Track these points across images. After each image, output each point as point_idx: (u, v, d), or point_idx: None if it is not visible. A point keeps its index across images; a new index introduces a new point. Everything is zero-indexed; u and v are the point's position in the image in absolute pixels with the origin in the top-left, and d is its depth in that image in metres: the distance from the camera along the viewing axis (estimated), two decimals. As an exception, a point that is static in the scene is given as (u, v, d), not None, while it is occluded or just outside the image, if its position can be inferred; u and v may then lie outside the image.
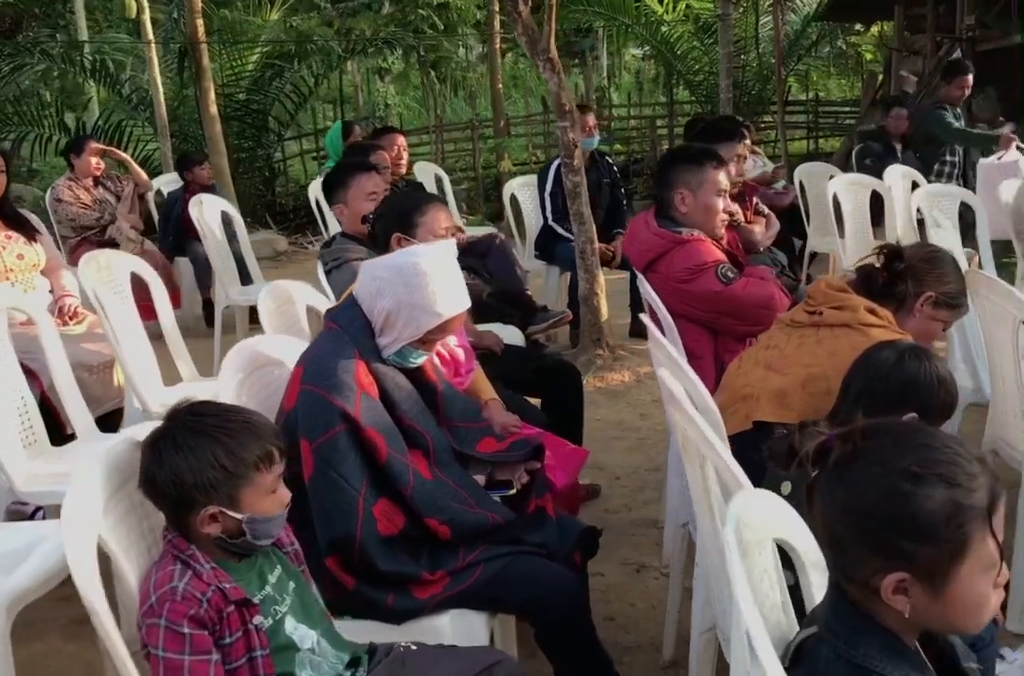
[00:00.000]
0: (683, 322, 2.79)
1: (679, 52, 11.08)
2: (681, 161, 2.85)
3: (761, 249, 4.09)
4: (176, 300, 6.02)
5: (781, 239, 6.53)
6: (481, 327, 4.16)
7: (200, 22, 8.38)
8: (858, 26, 13.25)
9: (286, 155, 11.09)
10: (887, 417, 1.82)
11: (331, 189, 3.26)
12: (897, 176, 5.91)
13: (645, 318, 2.27)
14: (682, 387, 1.87)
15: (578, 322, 5.14)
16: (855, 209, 5.70)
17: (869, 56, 13.64)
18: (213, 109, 8.60)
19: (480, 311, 4.33)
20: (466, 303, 2.08)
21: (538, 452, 2.17)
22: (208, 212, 5.13)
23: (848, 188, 5.71)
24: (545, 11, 4.48)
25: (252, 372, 2.05)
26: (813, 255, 6.25)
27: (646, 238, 2.83)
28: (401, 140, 5.14)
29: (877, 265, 2.23)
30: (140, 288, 3.65)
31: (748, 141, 4.09)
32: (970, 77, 6.51)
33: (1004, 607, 2.54)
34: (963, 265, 3.92)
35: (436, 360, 2.43)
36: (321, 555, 1.86)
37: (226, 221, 5.37)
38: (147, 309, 3.74)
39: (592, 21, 11.49)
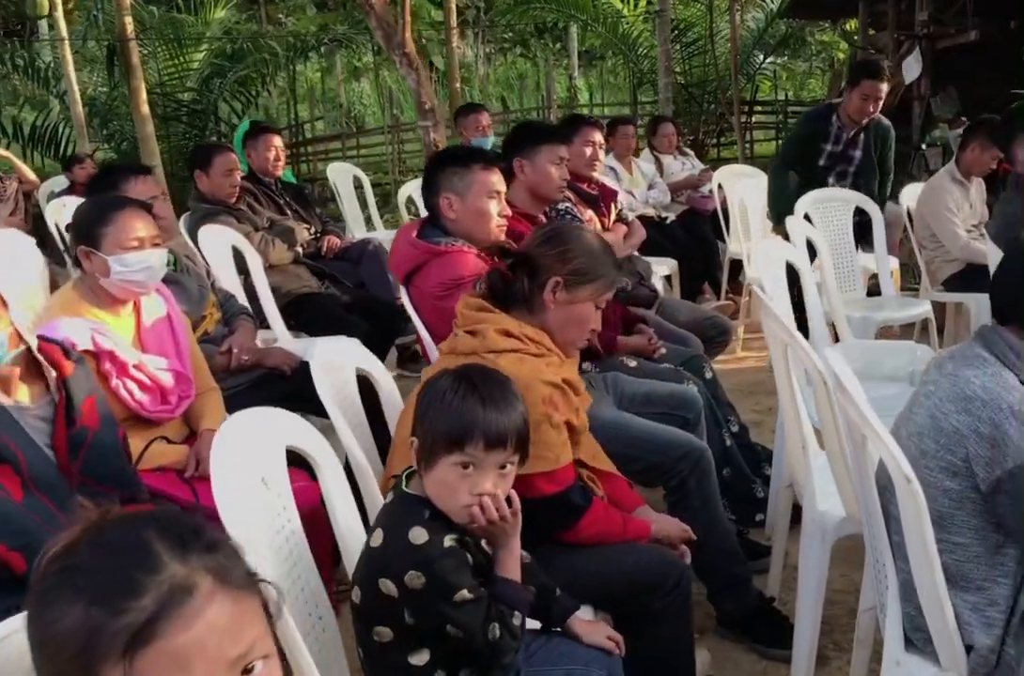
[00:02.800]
0: (445, 342, 2.51)
1: (640, 51, 10.78)
2: (446, 163, 2.57)
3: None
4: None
5: (704, 243, 6.30)
6: (324, 339, 3.92)
7: (128, 20, 8.20)
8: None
9: (239, 155, 10.86)
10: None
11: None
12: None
13: (324, 344, 2.00)
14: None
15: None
16: (763, 214, 5.41)
17: (842, 55, 13.28)
18: (145, 109, 8.39)
19: (325, 321, 4.10)
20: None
21: None
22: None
23: (756, 192, 5.42)
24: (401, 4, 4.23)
25: None
26: (736, 261, 5.95)
27: (403, 249, 2.56)
28: (276, 140, 4.90)
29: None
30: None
31: (598, 138, 3.80)
32: (874, 83, 4.38)
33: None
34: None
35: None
36: None
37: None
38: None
39: (553, 18, 11.21)
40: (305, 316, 4.13)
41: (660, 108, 8.30)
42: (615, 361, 3.14)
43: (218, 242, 3.71)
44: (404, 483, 1.52)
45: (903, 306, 4.34)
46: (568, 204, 3.74)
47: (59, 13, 7.45)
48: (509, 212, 2.61)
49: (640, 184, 6.42)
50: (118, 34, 8.13)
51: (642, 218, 6.36)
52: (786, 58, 12.79)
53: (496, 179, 2.56)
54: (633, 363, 3.13)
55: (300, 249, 4.44)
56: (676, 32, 10.55)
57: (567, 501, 1.78)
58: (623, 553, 1.84)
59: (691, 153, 7.05)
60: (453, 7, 10.78)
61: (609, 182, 6.15)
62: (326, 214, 5.30)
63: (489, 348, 1.79)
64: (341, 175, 6.74)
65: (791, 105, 12.13)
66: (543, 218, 3.25)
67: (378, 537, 1.46)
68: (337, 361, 2.03)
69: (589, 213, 3.82)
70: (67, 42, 7.56)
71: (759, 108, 12.30)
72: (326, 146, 11.11)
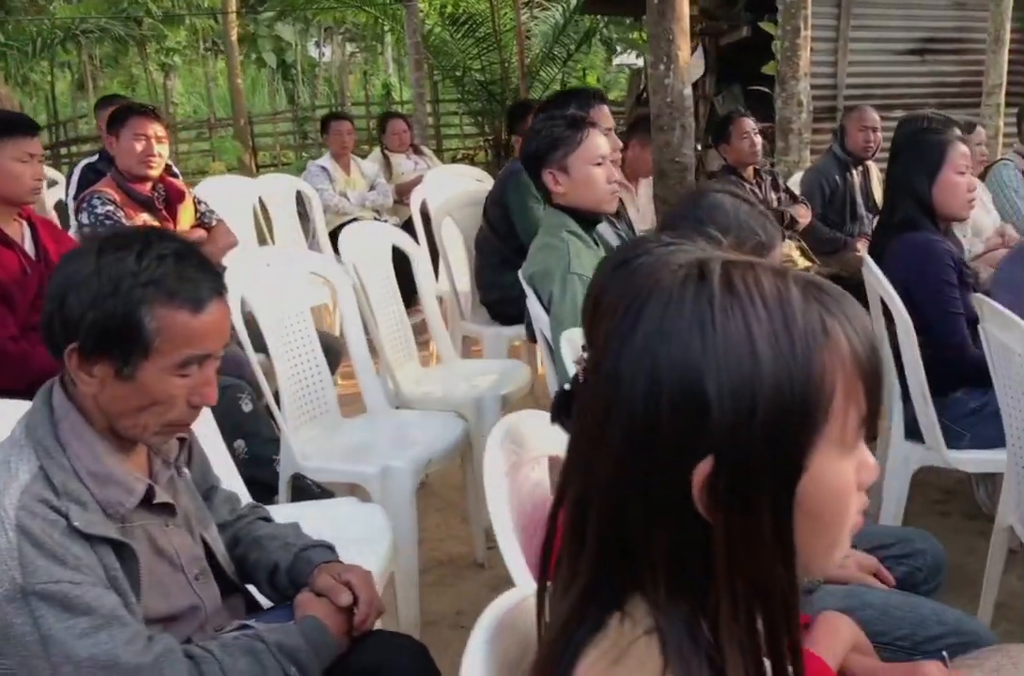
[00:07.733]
0: None
1: (434, 45, 10.19)
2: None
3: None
4: None
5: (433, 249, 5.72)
6: None
7: None
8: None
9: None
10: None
11: None
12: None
13: None
14: None
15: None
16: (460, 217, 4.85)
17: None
18: None
19: None
20: None
21: None
22: None
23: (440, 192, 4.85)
24: None
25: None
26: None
27: None
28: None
29: None
30: None
31: (151, 131, 3.15)
32: None
33: None
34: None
35: None
36: None
37: None
38: None
39: (343, 14, 10.56)
40: None
41: (414, 105, 7.72)
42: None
43: None
44: None
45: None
46: (110, 208, 3.11)
47: None
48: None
49: (358, 185, 5.84)
50: None
51: (356, 222, 5.79)
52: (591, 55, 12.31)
53: None
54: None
55: None
56: (468, 27, 10.02)
57: None
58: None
59: (428, 152, 6.49)
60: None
61: (319, 182, 5.59)
62: None
63: None
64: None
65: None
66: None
67: None
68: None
69: (143, 217, 3.19)
70: None
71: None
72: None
